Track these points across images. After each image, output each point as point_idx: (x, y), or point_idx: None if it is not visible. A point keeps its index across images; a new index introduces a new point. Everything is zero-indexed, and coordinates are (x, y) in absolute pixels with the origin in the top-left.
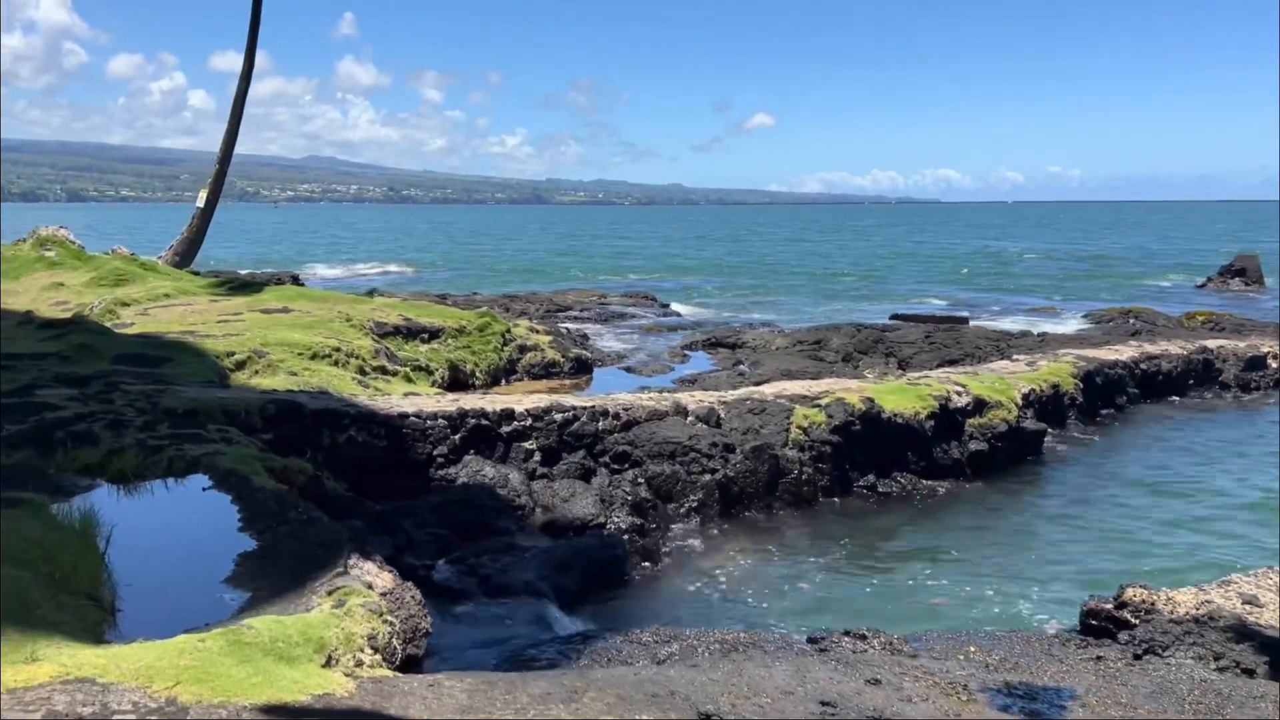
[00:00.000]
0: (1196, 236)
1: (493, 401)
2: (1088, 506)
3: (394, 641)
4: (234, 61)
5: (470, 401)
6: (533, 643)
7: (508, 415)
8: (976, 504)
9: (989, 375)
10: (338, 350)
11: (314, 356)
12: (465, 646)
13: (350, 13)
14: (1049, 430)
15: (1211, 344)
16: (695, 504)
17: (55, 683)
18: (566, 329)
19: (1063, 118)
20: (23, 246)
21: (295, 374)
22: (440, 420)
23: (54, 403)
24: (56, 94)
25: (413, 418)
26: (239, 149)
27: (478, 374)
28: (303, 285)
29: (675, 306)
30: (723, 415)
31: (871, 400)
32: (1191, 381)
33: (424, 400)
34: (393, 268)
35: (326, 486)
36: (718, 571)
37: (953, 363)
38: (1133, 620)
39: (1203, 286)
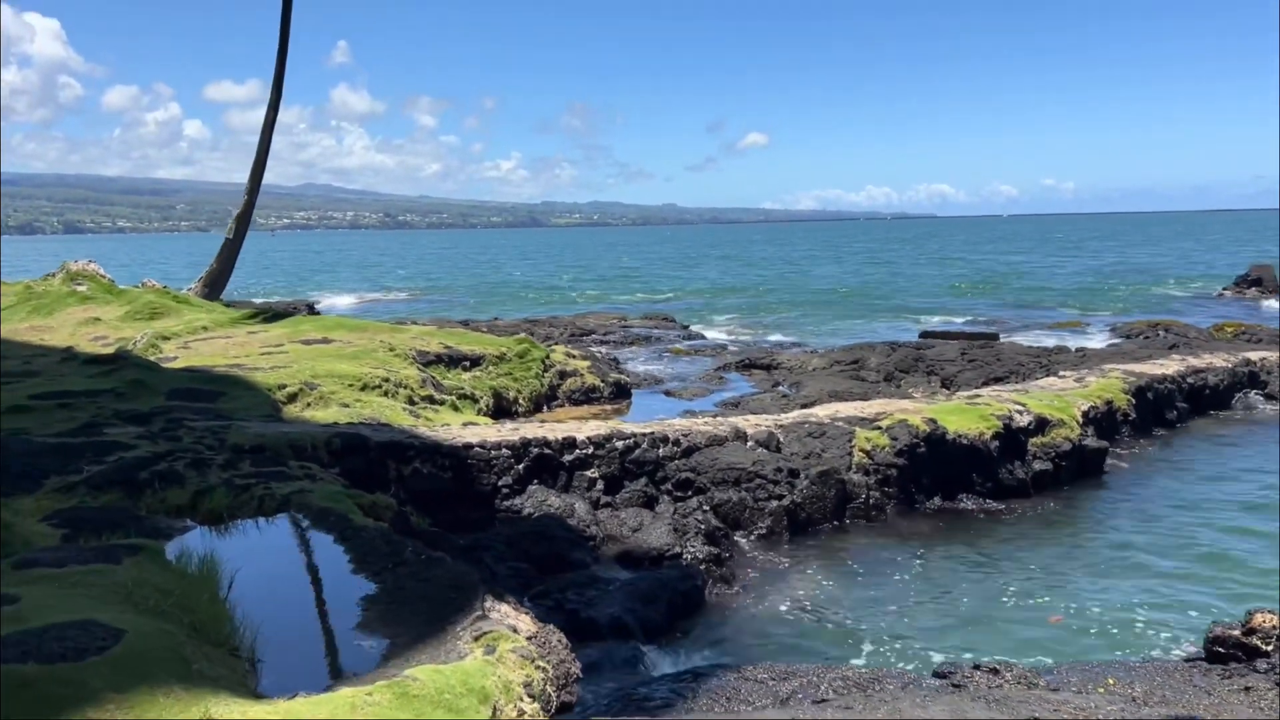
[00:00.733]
0: (1197, 246)
1: (553, 430)
2: (1163, 523)
3: (548, 688)
4: (229, 91)
5: (531, 430)
6: (643, 681)
7: (569, 444)
8: (1048, 523)
9: (1042, 393)
10: (386, 380)
11: (364, 388)
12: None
13: (344, 40)
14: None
15: (1254, 356)
16: (764, 530)
17: None
18: (599, 352)
19: (1056, 131)
20: (53, 281)
21: (347, 405)
22: (504, 450)
23: (125, 441)
24: (52, 127)
25: (477, 448)
26: (236, 179)
27: (521, 401)
28: (318, 314)
29: (696, 328)
30: (782, 439)
31: (934, 421)
32: (1235, 396)
33: (485, 430)
34: (402, 294)
35: (411, 522)
36: (801, 595)
37: (999, 380)
38: (1262, 646)
39: (1220, 296)
